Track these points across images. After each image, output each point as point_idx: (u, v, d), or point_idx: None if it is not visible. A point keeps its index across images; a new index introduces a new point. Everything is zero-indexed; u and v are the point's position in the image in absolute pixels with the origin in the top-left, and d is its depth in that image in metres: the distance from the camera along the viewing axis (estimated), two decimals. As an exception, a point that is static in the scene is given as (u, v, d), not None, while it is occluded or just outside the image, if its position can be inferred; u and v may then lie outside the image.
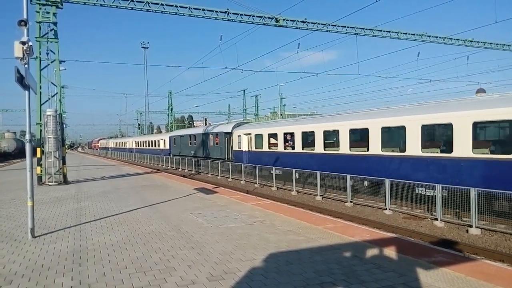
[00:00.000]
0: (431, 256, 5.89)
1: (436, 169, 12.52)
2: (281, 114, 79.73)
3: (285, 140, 21.11)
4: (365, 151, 15.39)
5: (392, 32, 27.30)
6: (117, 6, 20.96)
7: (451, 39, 28.94)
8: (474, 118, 11.41)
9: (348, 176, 14.95)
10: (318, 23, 25.01)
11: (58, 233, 7.80)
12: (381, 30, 26.87)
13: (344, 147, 16.44)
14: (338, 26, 25.51)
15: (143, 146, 57.54)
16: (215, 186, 16.69)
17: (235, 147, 26.80)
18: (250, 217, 9.12)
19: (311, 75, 39.12)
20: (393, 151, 14.34)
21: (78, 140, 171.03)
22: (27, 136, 7.50)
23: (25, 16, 7.60)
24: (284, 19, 23.90)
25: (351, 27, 25.91)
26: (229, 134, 28.06)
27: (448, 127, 12.19)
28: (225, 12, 22.74)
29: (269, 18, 23.55)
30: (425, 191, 12.33)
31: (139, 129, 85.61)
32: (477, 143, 11.56)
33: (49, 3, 17.17)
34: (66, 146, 22.98)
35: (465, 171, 11.61)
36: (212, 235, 7.37)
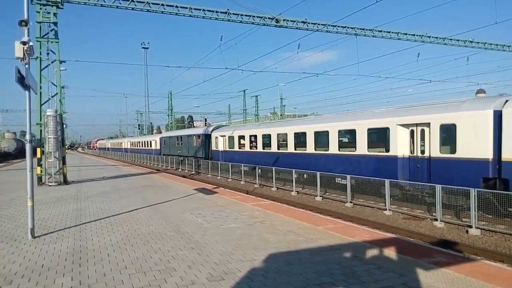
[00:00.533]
0: (431, 256, 5.89)
1: (348, 163, 16.40)
2: (281, 115, 79.84)
3: (250, 141, 25.05)
4: (304, 150, 19.35)
5: (392, 32, 27.30)
6: (117, 6, 20.97)
7: (451, 39, 28.95)
8: (368, 126, 15.45)
9: (273, 169, 20.26)
10: (319, 24, 25.01)
11: (58, 233, 7.80)
12: (381, 31, 26.87)
13: (291, 147, 20.60)
14: (338, 26, 25.51)
15: (137, 146, 61.50)
16: (215, 186, 16.70)
17: (213, 147, 30.66)
18: (250, 218, 9.12)
19: (311, 75, 39.22)
20: (325, 150, 17.98)
21: (78, 140, 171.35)
22: (28, 136, 7.50)
23: (25, 16, 7.60)
24: (284, 20, 23.90)
25: (351, 28, 25.92)
26: (209, 136, 31.68)
27: (353, 132, 16.13)
28: (226, 13, 22.75)
29: (269, 18, 23.56)
30: (341, 180, 16.00)
31: (139, 129, 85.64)
32: (370, 144, 15.39)
33: (50, 3, 17.17)
34: (66, 146, 22.92)
35: (363, 164, 15.53)
36: (212, 235, 7.38)
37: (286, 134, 20.83)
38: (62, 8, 17.82)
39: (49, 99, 18.03)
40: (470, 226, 10.57)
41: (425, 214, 12.72)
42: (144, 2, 21.16)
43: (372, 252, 6.13)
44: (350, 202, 15.03)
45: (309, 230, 7.80)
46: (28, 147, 7.52)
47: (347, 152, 16.57)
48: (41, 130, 17.12)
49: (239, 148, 26.48)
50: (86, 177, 21.23)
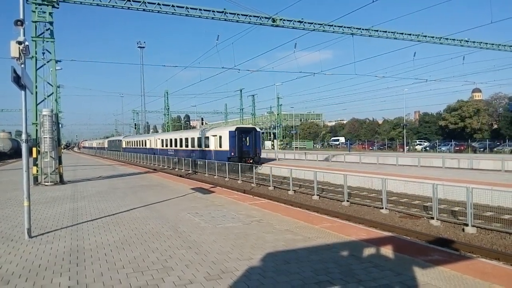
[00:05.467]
0: (427, 254, 5.92)
1: (196, 154, 33.82)
2: (277, 114, 79.94)
3: (132, 143, 59.45)
4: (178, 147, 39.21)
5: (389, 32, 27.38)
6: (113, 6, 20.91)
7: (447, 39, 29.06)
8: (213, 133, 31.57)
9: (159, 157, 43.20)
10: (315, 23, 25.05)
11: (55, 233, 7.78)
12: (377, 30, 26.95)
13: (157, 145, 47.02)
14: (335, 26, 25.57)
15: (98, 146, 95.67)
16: (212, 185, 16.68)
17: (122, 146, 64.24)
18: (247, 217, 9.13)
19: (308, 74, 39.10)
20: (192, 148, 35.95)
21: (74, 140, 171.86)
22: (23, 136, 7.45)
23: (21, 16, 7.56)
24: (281, 19, 23.92)
25: (347, 27, 25.98)
26: (121, 140, 67.77)
27: (208, 138, 31.99)
28: (222, 12, 22.73)
29: (266, 18, 23.57)
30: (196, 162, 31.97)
31: (135, 128, 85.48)
32: (215, 145, 30.97)
33: (45, 2, 17.05)
34: (62, 146, 22.73)
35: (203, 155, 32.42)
36: (210, 234, 7.38)
37: (148, 140, 51.17)
38: (57, 8, 17.72)
39: (45, 98, 17.92)
40: (466, 225, 10.64)
41: (422, 212, 12.79)
42: (140, 2, 21.12)
43: (369, 251, 6.15)
44: (347, 201, 15.09)
45: (306, 229, 7.81)
46: (23, 147, 7.48)
47: (193, 148, 36.03)
48: (36, 130, 17.03)
49: (131, 146, 59.04)
50: (82, 177, 21.15)
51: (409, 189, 16.41)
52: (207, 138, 32.62)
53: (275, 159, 35.39)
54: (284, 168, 25.37)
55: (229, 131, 29.31)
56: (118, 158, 56.69)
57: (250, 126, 35.30)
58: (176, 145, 39.96)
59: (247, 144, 29.85)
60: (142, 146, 52.52)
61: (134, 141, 58.65)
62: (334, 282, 4.77)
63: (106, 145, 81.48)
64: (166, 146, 43.02)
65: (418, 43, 28.61)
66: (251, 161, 27.73)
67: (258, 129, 31.55)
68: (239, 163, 25.79)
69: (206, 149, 32.36)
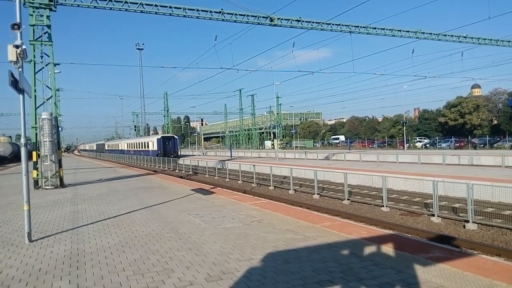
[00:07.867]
0: (428, 252, 5.91)
1: (143, 153, 53.27)
2: (277, 114, 79.93)
3: (113, 145, 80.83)
4: (134, 149, 60.65)
5: (387, 29, 27.39)
6: (111, 8, 20.91)
7: (445, 35, 29.05)
8: (150, 140, 54.65)
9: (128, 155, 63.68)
10: (313, 22, 25.05)
11: (55, 236, 7.77)
12: (375, 28, 26.95)
13: (125, 147, 67.51)
14: (333, 24, 25.57)
15: (89, 148, 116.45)
16: (212, 186, 16.66)
17: (105, 148, 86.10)
18: (247, 217, 9.12)
19: (306, 73, 38.85)
20: (141, 149, 57.03)
21: (74, 143, 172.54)
22: (22, 140, 7.43)
23: (18, 20, 7.54)
24: (278, 18, 23.92)
25: (345, 25, 25.97)
26: (104, 144, 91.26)
27: (148, 143, 54.04)
28: (220, 12, 22.73)
29: (263, 17, 23.57)
30: (143, 158, 49.41)
31: (135, 130, 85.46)
32: (151, 147, 52.56)
33: (42, 5, 17.04)
34: (62, 149, 22.79)
35: (145, 154, 51.89)
36: (210, 235, 7.37)
37: (119, 144, 73.63)
38: (55, 11, 17.72)
39: (44, 102, 17.90)
40: (467, 221, 10.63)
41: (422, 210, 12.78)
42: (137, 3, 21.12)
43: (369, 249, 6.14)
44: (348, 199, 15.09)
45: (307, 228, 7.80)
46: (23, 151, 7.46)
47: (140, 149, 56.13)
48: (36, 134, 17.02)
49: (110, 148, 79.31)
50: (82, 180, 21.14)
51: (409, 187, 16.38)
52: (147, 142, 53.38)
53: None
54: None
55: (157, 138, 51.07)
56: (106, 158, 70.08)
57: (171, 134, 57.95)
58: (134, 147, 60.45)
59: (170, 146, 49.72)
60: (117, 148, 73.08)
61: (112, 144, 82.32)
62: (335, 281, 4.76)
63: (94, 148, 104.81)
64: (129, 148, 63.31)
65: (416, 40, 28.64)
66: (172, 156, 45.44)
67: (176, 136, 53.36)
68: (166, 157, 41.67)
69: (147, 149, 51.95)
